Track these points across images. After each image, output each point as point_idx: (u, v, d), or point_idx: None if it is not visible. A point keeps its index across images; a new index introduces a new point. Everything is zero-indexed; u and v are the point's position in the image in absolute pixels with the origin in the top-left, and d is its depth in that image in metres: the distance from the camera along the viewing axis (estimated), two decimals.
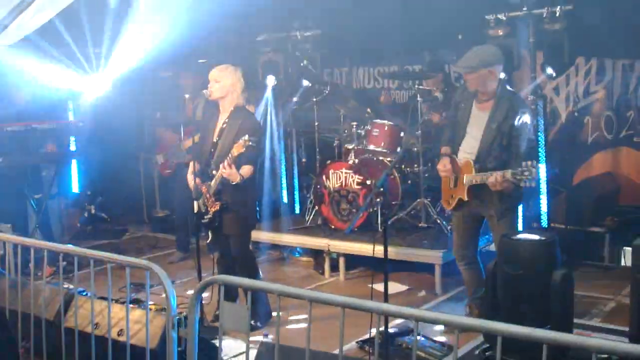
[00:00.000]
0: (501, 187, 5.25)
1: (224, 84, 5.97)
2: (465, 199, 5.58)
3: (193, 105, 8.28)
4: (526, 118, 5.47)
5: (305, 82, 8.93)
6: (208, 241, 6.19)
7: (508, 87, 5.78)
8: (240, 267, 6.18)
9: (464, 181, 5.54)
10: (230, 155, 5.69)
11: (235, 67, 6.07)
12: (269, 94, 9.16)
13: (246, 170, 5.83)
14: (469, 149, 5.61)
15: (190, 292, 5.56)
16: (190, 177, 6.10)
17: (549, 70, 7.47)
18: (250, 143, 5.59)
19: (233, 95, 6.00)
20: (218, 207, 5.94)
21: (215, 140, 6.02)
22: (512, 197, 5.51)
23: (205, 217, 6.03)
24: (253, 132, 5.74)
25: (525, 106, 5.71)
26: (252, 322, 6.06)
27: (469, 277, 5.92)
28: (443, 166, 5.71)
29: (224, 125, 6.00)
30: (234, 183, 5.78)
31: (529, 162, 5.03)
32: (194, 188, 6.04)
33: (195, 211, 6.09)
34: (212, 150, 6.01)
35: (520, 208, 6.51)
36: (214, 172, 5.93)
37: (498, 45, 7.44)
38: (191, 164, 6.18)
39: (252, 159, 5.91)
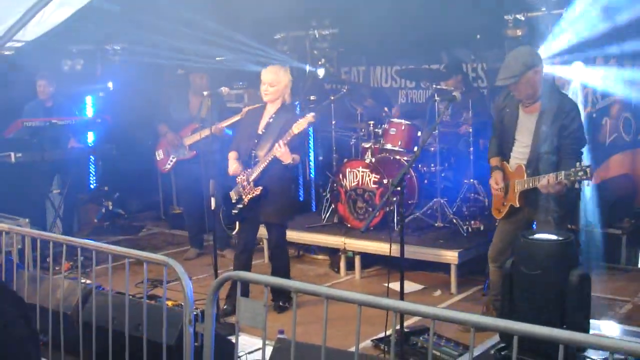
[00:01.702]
0: (553, 190, 5.08)
1: (279, 87, 6.19)
2: (517, 205, 5.43)
3: (200, 103, 8.35)
4: (576, 117, 5.29)
5: (321, 72, 8.99)
6: (234, 232, 6.35)
7: (554, 86, 5.66)
8: (277, 257, 6.50)
9: (516, 187, 5.41)
10: (288, 133, 5.93)
11: (285, 67, 6.34)
12: None
13: (296, 157, 6.09)
14: (520, 155, 5.48)
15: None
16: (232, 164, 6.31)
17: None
18: (313, 120, 5.92)
19: (285, 95, 6.27)
20: (259, 192, 6.10)
21: (260, 132, 6.25)
22: (569, 202, 5.38)
23: (237, 206, 6.22)
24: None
25: (574, 105, 5.48)
26: (280, 302, 6.39)
27: (498, 279, 5.82)
28: (495, 183, 5.57)
29: (271, 120, 6.23)
30: (284, 164, 6.02)
31: (583, 163, 4.89)
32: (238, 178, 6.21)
33: (232, 200, 6.27)
34: (256, 141, 6.23)
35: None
36: (256, 160, 6.15)
37: (517, 46, 7.46)
38: (232, 153, 6.35)
39: (302, 150, 6.12)
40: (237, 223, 6.39)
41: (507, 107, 5.60)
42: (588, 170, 4.84)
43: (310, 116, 5.97)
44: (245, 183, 6.18)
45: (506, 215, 5.61)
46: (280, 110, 6.25)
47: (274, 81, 6.16)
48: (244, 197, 6.20)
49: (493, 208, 5.85)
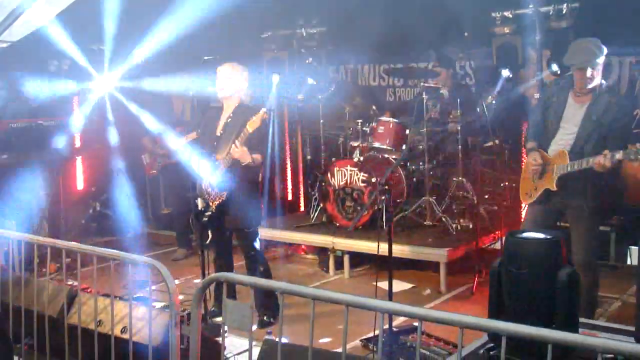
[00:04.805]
0: (609, 166, 5.03)
1: (234, 81, 6.01)
2: (554, 188, 5.44)
3: (182, 105, 8.36)
4: (628, 112, 5.44)
5: (310, 81, 8.91)
6: (207, 241, 6.15)
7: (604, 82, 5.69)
8: (250, 270, 6.16)
9: (555, 171, 5.43)
10: (243, 133, 5.71)
11: (243, 67, 6.12)
12: (273, 92, 9.12)
13: (257, 157, 5.87)
14: (563, 142, 5.49)
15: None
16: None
17: (554, 67, 7.41)
18: (265, 116, 5.65)
19: (240, 93, 6.05)
20: (224, 197, 5.90)
21: (218, 134, 6.04)
22: (606, 195, 5.43)
23: (206, 214, 5.98)
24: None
25: (629, 101, 5.73)
26: (265, 317, 6.10)
27: None
28: (534, 160, 5.57)
29: (229, 120, 6.02)
30: (244, 164, 5.80)
31: (638, 144, 4.91)
32: (198, 186, 6.06)
33: (200, 208, 6.07)
34: (215, 143, 6.02)
35: None
36: (217, 163, 5.95)
37: (504, 43, 7.46)
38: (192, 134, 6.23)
39: (262, 148, 5.94)
40: (209, 231, 6.17)
41: (554, 97, 5.63)
42: None
43: (262, 112, 5.68)
44: (210, 189, 5.99)
45: (538, 200, 5.62)
46: (237, 110, 6.01)
47: (229, 74, 5.99)
48: (210, 203, 5.97)
49: (522, 192, 5.85)
